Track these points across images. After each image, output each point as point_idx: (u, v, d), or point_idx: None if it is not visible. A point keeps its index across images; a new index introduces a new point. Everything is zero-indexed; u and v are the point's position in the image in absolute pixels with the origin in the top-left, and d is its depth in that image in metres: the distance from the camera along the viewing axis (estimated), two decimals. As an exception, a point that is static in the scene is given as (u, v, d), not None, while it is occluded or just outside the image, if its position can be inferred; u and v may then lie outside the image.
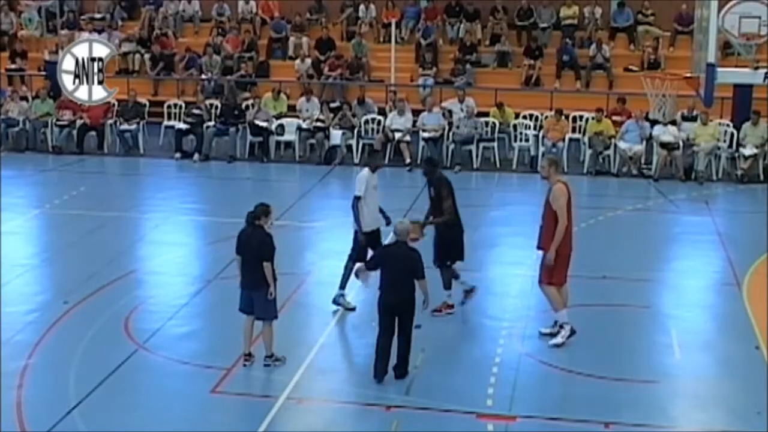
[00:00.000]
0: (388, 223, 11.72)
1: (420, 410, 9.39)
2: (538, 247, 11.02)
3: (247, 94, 22.91)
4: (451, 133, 20.39)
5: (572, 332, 10.86)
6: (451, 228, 11.65)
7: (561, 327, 10.92)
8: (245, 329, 10.25)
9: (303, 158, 20.86)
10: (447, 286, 11.75)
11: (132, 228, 15.78)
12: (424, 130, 20.45)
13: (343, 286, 11.81)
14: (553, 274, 10.81)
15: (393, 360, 10.02)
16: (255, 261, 9.96)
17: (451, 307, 11.76)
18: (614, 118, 20.42)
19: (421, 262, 9.95)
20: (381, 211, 11.88)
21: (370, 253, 11.19)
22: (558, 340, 10.86)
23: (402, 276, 9.85)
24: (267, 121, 20.89)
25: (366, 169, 11.92)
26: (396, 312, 9.89)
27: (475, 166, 20.12)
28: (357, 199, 11.66)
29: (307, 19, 25.80)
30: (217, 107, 21.70)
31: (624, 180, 19.41)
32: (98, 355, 10.56)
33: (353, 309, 11.79)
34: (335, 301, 11.85)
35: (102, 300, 12.12)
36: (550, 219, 10.76)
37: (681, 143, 19.42)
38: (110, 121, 21.38)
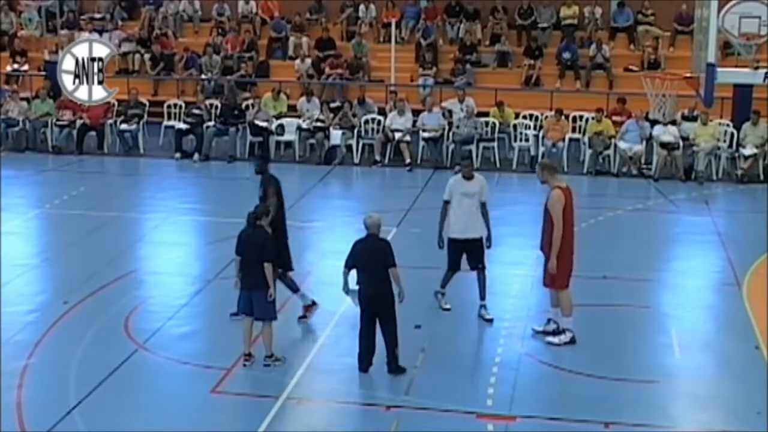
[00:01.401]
0: (488, 246, 11.59)
1: (420, 410, 9.39)
2: (541, 249, 11.05)
3: (247, 94, 22.91)
4: (451, 133, 20.40)
5: (572, 340, 10.86)
6: (275, 233, 11.08)
7: (563, 331, 10.92)
8: (245, 330, 10.25)
9: (303, 158, 20.86)
10: (293, 289, 11.55)
11: (132, 228, 15.77)
12: (424, 130, 20.46)
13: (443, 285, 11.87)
14: (555, 278, 10.82)
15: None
16: (256, 261, 9.96)
17: (313, 305, 11.58)
18: (614, 118, 20.42)
19: (392, 251, 10.05)
20: (487, 226, 11.56)
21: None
22: (555, 340, 10.88)
23: (377, 268, 9.95)
24: (267, 121, 20.89)
25: (456, 175, 11.78)
26: (376, 305, 9.98)
27: (475, 166, 20.06)
28: (444, 203, 11.66)
29: (307, 19, 25.81)
30: (217, 107, 21.70)
31: (624, 180, 19.41)
32: (98, 355, 10.56)
33: (448, 309, 11.77)
34: (437, 292, 11.81)
35: (102, 300, 12.13)
36: (549, 223, 10.76)
37: (681, 143, 19.42)
38: (110, 121, 21.38)
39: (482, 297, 11.57)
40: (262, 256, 9.94)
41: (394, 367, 10.06)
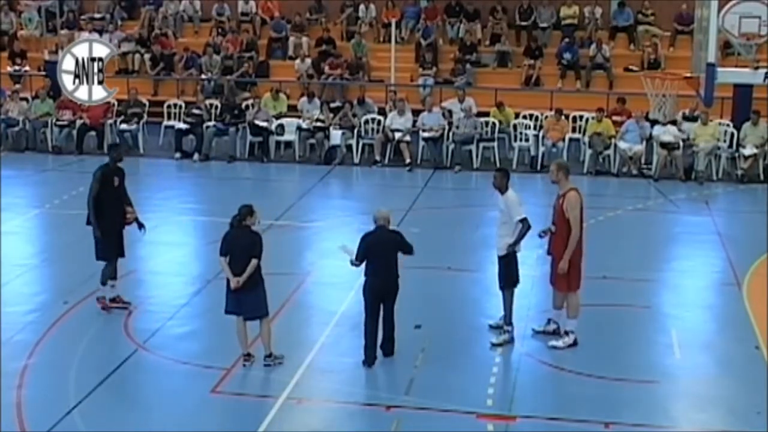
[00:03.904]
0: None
1: (420, 410, 9.39)
2: (548, 252, 11.03)
3: (247, 94, 22.92)
4: (451, 133, 20.40)
5: (575, 342, 10.85)
6: (102, 224, 11.64)
7: (566, 333, 10.92)
8: (239, 330, 10.25)
9: (303, 158, 20.86)
10: (103, 281, 11.84)
11: (132, 228, 15.69)
12: (424, 130, 20.46)
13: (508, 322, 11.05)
14: (570, 281, 10.81)
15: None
16: (247, 260, 9.96)
17: (115, 301, 11.85)
18: (614, 118, 20.42)
19: (404, 238, 10.37)
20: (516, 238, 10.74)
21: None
22: (559, 344, 10.85)
23: (389, 259, 10.19)
24: (267, 121, 20.89)
25: None
26: (383, 295, 10.20)
27: (475, 166, 20.13)
28: None
29: (307, 19, 25.82)
30: (217, 107, 21.71)
31: (624, 180, 19.41)
32: (98, 355, 10.57)
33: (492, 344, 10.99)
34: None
35: (102, 300, 12.11)
36: (562, 227, 10.68)
37: (681, 143, 19.43)
38: (110, 121, 21.38)
39: (502, 318, 11.16)
40: (251, 253, 9.96)
41: (390, 350, 10.40)
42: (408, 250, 10.35)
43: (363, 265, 10.29)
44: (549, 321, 11.19)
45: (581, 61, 23.75)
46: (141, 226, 12.20)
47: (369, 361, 10.22)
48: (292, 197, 17.76)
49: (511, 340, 10.96)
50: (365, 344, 10.25)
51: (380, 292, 10.22)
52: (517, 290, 11.45)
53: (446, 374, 10.14)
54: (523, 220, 10.65)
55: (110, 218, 11.80)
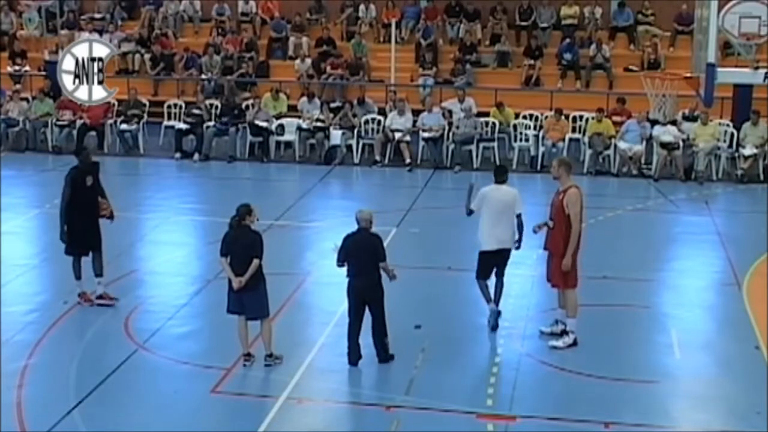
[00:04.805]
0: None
1: (420, 410, 9.39)
2: (544, 248, 11.05)
3: (247, 94, 22.92)
4: (451, 133, 20.40)
5: (575, 342, 10.85)
6: (72, 220, 11.91)
7: (566, 332, 10.92)
8: (240, 330, 10.26)
9: (303, 158, 20.87)
10: (77, 275, 12.03)
11: (132, 228, 15.73)
12: (424, 130, 20.46)
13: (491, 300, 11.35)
14: (567, 278, 10.82)
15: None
16: (248, 259, 9.96)
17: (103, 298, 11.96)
18: (614, 118, 20.42)
19: (382, 246, 10.28)
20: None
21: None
22: (559, 344, 10.85)
23: (366, 260, 10.16)
24: (267, 121, 20.89)
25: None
26: (365, 296, 10.16)
27: (475, 166, 20.12)
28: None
29: (307, 19, 25.82)
30: (217, 107, 21.71)
31: (624, 180, 19.41)
32: (98, 355, 10.58)
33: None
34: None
35: (102, 300, 12.12)
36: (561, 222, 10.70)
37: (681, 143, 19.43)
38: (110, 121, 21.39)
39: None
40: (252, 253, 9.96)
41: (385, 357, 10.29)
42: (380, 258, 10.20)
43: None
44: (557, 322, 11.17)
45: (581, 61, 23.74)
46: (111, 217, 12.26)
47: (351, 360, 10.25)
48: (292, 197, 17.75)
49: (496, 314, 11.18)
50: (348, 345, 10.26)
51: (361, 293, 10.17)
52: (517, 290, 11.48)
53: (446, 374, 10.14)
54: (469, 213, 11.36)
55: (85, 217, 11.93)
